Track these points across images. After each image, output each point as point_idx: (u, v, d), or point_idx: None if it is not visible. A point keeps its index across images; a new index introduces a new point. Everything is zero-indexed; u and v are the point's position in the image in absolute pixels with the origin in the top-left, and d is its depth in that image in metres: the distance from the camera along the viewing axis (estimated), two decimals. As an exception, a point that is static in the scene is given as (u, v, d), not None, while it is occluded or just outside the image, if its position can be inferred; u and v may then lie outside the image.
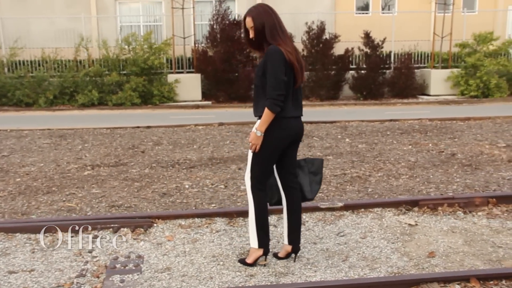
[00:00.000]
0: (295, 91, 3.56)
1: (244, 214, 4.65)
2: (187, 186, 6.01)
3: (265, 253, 3.75)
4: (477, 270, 3.57)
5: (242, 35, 14.55)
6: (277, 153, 3.59)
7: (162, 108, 14.26)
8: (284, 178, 3.75)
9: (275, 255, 3.87)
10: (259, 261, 3.74)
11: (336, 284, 3.32)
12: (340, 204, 4.86)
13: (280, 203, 3.85)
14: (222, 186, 5.99)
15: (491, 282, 3.39)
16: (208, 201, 5.41)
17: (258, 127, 3.46)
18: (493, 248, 4.02)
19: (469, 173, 6.45)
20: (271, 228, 4.47)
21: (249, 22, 3.54)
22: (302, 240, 4.06)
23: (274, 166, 3.74)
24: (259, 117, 3.53)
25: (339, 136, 9.26)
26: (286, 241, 3.81)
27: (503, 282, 3.40)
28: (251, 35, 3.56)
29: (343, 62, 15.45)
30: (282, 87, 3.40)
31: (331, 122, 10.91)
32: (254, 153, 3.56)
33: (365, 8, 18.91)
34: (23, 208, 5.26)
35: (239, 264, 3.76)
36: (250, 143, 3.52)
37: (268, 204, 3.75)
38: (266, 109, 3.41)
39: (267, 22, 3.50)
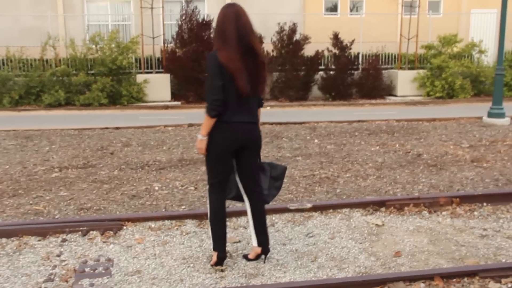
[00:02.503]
0: (247, 99, 3.52)
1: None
2: (156, 188, 5.99)
3: (219, 257, 3.72)
4: (441, 268, 3.68)
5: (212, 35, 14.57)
6: (224, 158, 3.60)
7: (131, 109, 14.13)
8: (244, 182, 3.78)
9: (245, 257, 3.91)
10: (216, 267, 3.73)
11: (305, 284, 3.38)
12: (309, 205, 4.93)
13: (238, 199, 3.88)
14: (192, 188, 6.00)
15: (454, 280, 3.51)
16: (178, 203, 5.41)
17: (201, 131, 3.53)
18: (456, 246, 4.16)
19: (434, 173, 6.62)
20: (241, 229, 4.51)
21: None
22: (271, 242, 4.11)
23: (236, 170, 3.77)
24: None
25: (308, 137, 9.36)
26: (255, 243, 3.84)
27: (465, 279, 3.52)
28: None
29: (312, 63, 15.60)
30: (216, 92, 3.41)
31: (300, 123, 11.01)
32: (205, 157, 3.64)
33: (333, 9, 19.11)
34: (-11, 212, 5.16)
35: (209, 266, 3.78)
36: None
37: (223, 208, 3.74)
38: (205, 113, 3.48)
39: (216, 25, 3.53)
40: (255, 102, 3.65)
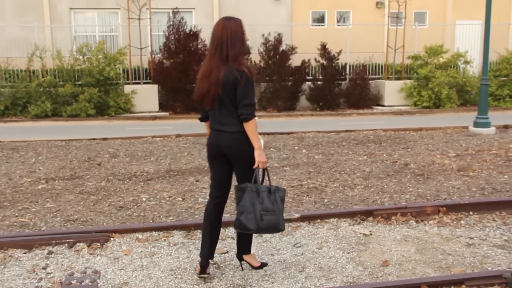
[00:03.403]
0: (212, 108, 3.58)
1: (202, 226, 4.65)
2: (144, 199, 5.96)
3: (201, 264, 3.69)
4: (428, 277, 3.70)
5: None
6: (209, 161, 3.75)
7: (119, 120, 14.07)
8: None
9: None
10: (200, 275, 3.70)
11: (293, 295, 3.37)
12: (297, 216, 4.93)
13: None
14: (180, 199, 5.98)
15: (441, 288, 3.53)
16: (165, 214, 5.39)
17: None
18: (443, 255, 4.18)
19: (421, 182, 6.66)
20: (229, 240, 4.50)
21: None
22: (259, 252, 4.13)
23: None
24: None
25: (296, 147, 9.39)
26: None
27: (452, 288, 3.54)
28: None
29: (299, 73, 15.67)
30: None
31: (288, 133, 11.04)
32: None
33: (320, 20, 19.24)
34: (-27, 224, 5.09)
35: (197, 277, 3.76)
36: None
37: (212, 213, 3.73)
38: None
39: None
40: (226, 112, 3.54)
